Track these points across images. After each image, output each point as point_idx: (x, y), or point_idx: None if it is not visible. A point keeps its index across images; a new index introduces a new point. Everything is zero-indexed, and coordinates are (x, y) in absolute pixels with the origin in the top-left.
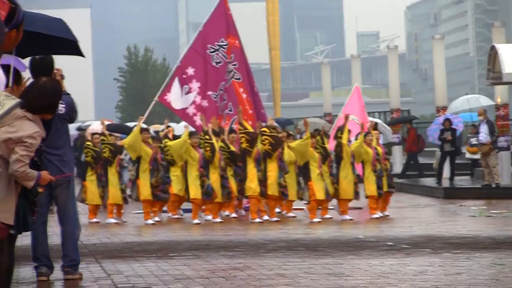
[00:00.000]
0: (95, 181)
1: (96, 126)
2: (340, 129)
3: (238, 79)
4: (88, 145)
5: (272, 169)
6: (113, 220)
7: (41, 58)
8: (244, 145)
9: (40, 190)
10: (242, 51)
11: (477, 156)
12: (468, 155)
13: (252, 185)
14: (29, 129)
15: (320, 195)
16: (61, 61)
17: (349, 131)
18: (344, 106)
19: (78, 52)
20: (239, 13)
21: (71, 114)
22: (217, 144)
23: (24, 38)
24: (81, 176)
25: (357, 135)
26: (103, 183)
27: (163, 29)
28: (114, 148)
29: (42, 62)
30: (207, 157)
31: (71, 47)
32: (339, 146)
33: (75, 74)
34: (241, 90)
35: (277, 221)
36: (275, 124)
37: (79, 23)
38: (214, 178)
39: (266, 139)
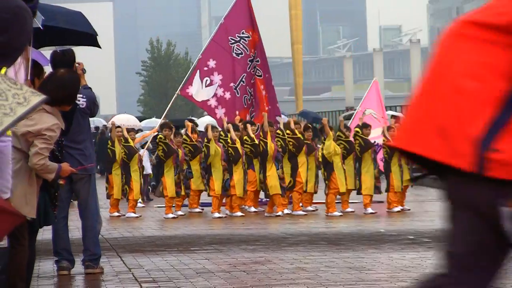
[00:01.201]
0: (119, 175)
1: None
2: (360, 126)
3: (260, 76)
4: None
5: (302, 165)
6: (133, 215)
7: (62, 52)
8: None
9: (61, 182)
10: (262, 45)
11: None
12: None
13: (273, 183)
14: (47, 121)
15: (342, 188)
16: (82, 55)
17: (369, 125)
18: (363, 100)
19: (95, 44)
20: (261, 7)
21: (92, 108)
22: (238, 142)
23: (45, 32)
24: (108, 170)
25: (383, 133)
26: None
27: (186, 23)
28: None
29: (63, 56)
30: (231, 159)
31: (88, 39)
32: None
33: (97, 68)
34: (262, 87)
35: (303, 214)
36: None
37: (102, 17)
38: (238, 177)
39: (290, 140)
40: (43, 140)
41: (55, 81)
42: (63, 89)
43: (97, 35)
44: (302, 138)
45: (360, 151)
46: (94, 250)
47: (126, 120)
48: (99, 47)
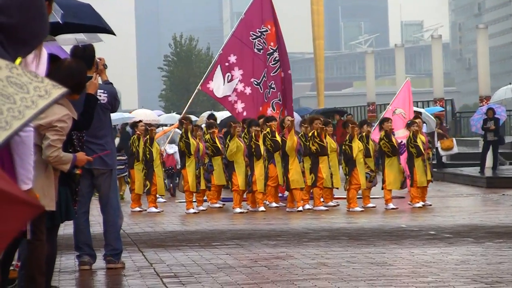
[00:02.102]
0: (141, 170)
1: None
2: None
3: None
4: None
5: (323, 161)
6: (155, 210)
7: (83, 47)
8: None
9: (77, 172)
10: (282, 40)
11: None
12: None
13: (295, 177)
14: (58, 112)
15: (363, 183)
16: (104, 50)
17: (390, 119)
18: (394, 99)
19: (110, 31)
20: (284, 2)
21: (113, 103)
22: (260, 137)
23: (60, 25)
24: (130, 165)
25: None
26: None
27: (207, 19)
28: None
29: (84, 51)
30: (254, 153)
31: (101, 28)
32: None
33: (119, 63)
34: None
35: (324, 210)
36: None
37: (124, 12)
38: (259, 172)
39: (314, 143)
40: (54, 132)
41: (62, 70)
42: (72, 78)
43: (106, 27)
44: (325, 146)
45: (391, 152)
46: (116, 245)
47: (144, 115)
48: (114, 34)
